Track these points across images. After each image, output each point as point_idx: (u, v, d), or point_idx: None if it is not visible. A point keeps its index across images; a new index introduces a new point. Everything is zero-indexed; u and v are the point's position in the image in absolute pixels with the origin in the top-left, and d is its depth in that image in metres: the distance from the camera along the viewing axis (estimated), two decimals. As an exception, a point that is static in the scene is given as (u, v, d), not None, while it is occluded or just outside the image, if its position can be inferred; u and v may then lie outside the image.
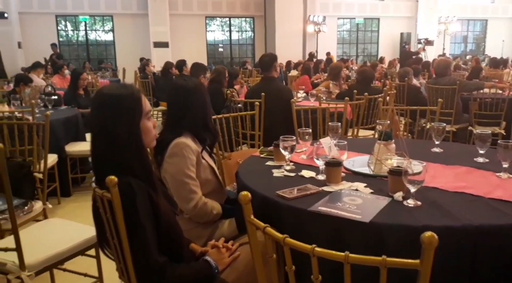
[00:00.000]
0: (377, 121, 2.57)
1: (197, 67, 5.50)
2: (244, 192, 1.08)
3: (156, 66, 10.45)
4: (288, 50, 13.58)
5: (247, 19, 17.59)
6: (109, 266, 2.10)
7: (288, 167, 2.02)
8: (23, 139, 3.06)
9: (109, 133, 1.36)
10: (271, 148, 2.27)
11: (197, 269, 1.48)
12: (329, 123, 2.45)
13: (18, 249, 1.84)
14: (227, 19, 17.39)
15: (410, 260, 0.85)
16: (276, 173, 1.97)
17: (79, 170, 4.39)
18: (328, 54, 14.30)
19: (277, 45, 14.82)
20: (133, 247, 1.33)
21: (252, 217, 1.09)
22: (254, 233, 1.11)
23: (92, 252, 2.21)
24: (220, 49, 18.14)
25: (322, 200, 1.59)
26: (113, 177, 1.25)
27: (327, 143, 1.97)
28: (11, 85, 6.98)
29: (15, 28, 13.86)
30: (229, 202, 2.18)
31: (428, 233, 0.82)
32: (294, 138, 2.03)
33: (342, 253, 0.88)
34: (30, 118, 3.63)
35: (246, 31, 18.01)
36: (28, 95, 5.01)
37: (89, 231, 2.19)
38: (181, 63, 6.79)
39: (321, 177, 1.87)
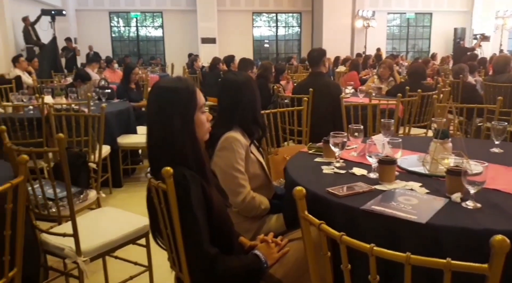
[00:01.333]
0: (433, 118, 2.47)
1: (245, 63, 5.52)
2: (299, 187, 1.07)
3: (203, 61, 10.59)
4: (335, 46, 13.35)
5: (294, 14, 17.46)
6: (159, 256, 2.15)
7: (338, 164, 1.99)
8: (79, 130, 3.20)
9: (165, 125, 1.39)
10: (320, 144, 2.24)
11: (247, 262, 1.49)
12: (382, 120, 2.37)
13: (75, 235, 1.93)
14: (274, 14, 17.34)
15: (477, 264, 0.80)
16: (326, 169, 1.94)
17: (130, 162, 4.54)
18: (378, 50, 13.93)
19: (324, 41, 14.62)
20: (186, 237, 1.35)
21: (306, 212, 1.07)
22: (308, 229, 1.10)
23: (142, 241, 2.26)
24: (266, 45, 18.12)
25: (375, 199, 1.56)
26: (169, 168, 1.27)
27: (380, 140, 1.91)
28: (68, 79, 7.32)
29: (72, 24, 14.51)
30: (277, 198, 2.17)
31: (498, 237, 0.77)
32: (345, 134, 1.99)
33: (403, 254, 0.84)
34: (86, 110, 3.78)
35: (292, 26, 17.89)
36: (84, 89, 5.23)
37: (140, 220, 2.26)
38: (229, 59, 6.84)
39: (373, 175, 1.82)
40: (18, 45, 10.68)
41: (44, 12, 10.79)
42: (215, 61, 7.62)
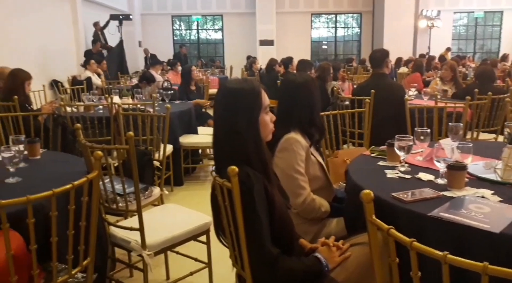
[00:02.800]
0: (506, 123, 2.33)
1: (303, 64, 5.50)
2: (367, 191, 1.05)
3: (261, 63, 10.69)
4: (397, 47, 12.91)
5: (354, 15, 17.13)
6: (218, 253, 2.20)
7: (402, 168, 1.93)
8: (144, 129, 3.34)
9: (230, 124, 1.42)
10: (383, 147, 2.18)
11: (307, 265, 1.48)
12: (449, 124, 2.27)
13: (141, 229, 2.01)
14: (333, 15, 17.11)
15: None
16: (390, 174, 1.89)
17: (190, 161, 4.68)
18: (448, 49, 13.30)
19: (385, 42, 14.20)
20: (248, 236, 1.37)
21: (374, 217, 1.05)
22: (375, 234, 1.07)
23: (203, 238, 2.32)
24: (324, 46, 17.92)
25: (443, 206, 1.49)
26: (234, 167, 1.30)
27: (449, 144, 1.83)
28: (133, 80, 7.67)
29: (137, 28, 15.19)
30: (337, 201, 2.14)
31: None
32: (411, 137, 1.92)
33: (480, 263, 0.80)
34: (151, 110, 3.94)
35: (352, 27, 17.56)
36: (148, 90, 5.47)
37: (201, 218, 2.31)
38: (288, 61, 6.84)
39: (441, 181, 1.74)
40: (88, 48, 11.35)
41: (113, 17, 11.39)
42: (272, 62, 7.63)
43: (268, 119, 1.49)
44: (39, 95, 5.87)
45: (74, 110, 4.05)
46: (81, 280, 1.63)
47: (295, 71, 6.39)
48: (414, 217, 1.46)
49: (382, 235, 1.09)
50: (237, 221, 1.35)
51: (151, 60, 11.31)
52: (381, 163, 2.06)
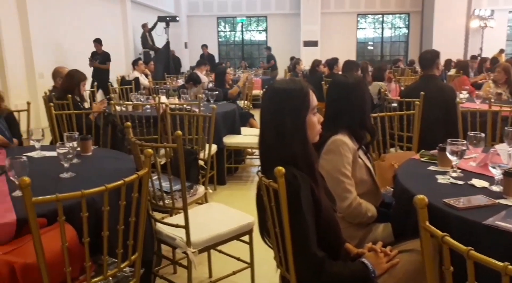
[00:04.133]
0: None
1: (349, 65, 5.42)
2: (421, 196, 1.01)
3: (305, 64, 10.63)
4: (447, 48, 12.44)
5: (402, 15, 16.69)
6: (261, 254, 2.20)
7: (454, 174, 1.85)
8: (190, 129, 3.40)
9: (277, 125, 1.41)
10: (434, 151, 2.10)
11: (354, 269, 1.45)
12: (505, 128, 2.16)
13: (187, 226, 2.05)
14: (380, 15, 16.75)
15: None
16: (441, 179, 1.82)
17: (233, 161, 4.72)
18: (501, 51, 12.68)
19: (434, 42, 13.74)
20: (294, 238, 1.35)
21: (427, 223, 1.01)
22: (428, 240, 1.03)
23: (246, 238, 2.33)
24: (370, 47, 17.58)
25: (499, 214, 1.43)
26: (281, 167, 1.29)
27: (505, 150, 1.74)
28: (180, 81, 7.84)
29: (184, 30, 15.54)
30: (385, 206, 2.09)
31: None
32: (464, 142, 1.85)
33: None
34: (197, 110, 4.01)
35: (399, 27, 17.12)
36: (193, 90, 5.57)
37: (245, 218, 2.32)
38: (333, 61, 6.76)
39: (496, 188, 1.66)
40: (136, 49, 11.73)
41: (160, 19, 11.71)
42: (315, 63, 7.57)
43: (315, 120, 1.47)
44: (91, 95, 6.12)
45: (123, 109, 4.19)
46: (129, 274, 1.68)
47: (340, 72, 6.31)
48: (467, 225, 1.40)
49: (434, 242, 1.05)
50: (282, 222, 1.35)
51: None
52: (431, 168, 2.00)
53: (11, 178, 1.75)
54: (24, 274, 1.39)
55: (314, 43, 15.00)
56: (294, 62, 9.77)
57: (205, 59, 10.49)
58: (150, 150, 1.56)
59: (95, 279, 1.47)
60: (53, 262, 1.38)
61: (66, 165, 2.02)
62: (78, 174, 2.02)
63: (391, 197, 2.12)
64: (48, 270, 1.31)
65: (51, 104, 3.35)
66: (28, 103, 3.44)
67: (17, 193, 1.74)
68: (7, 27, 6.60)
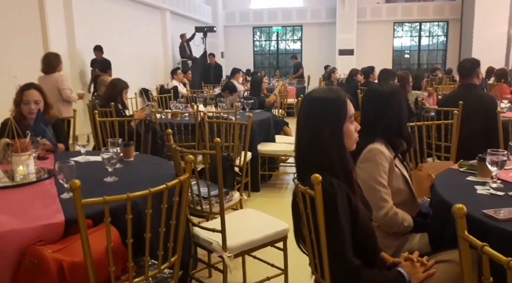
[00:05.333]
0: None
1: (386, 73, 5.36)
2: (459, 205, 1.01)
3: (340, 73, 10.59)
4: (488, 56, 12.05)
5: (440, 23, 16.33)
6: (295, 261, 2.21)
7: (494, 185, 1.82)
8: (226, 136, 3.47)
9: (314, 133, 1.44)
10: (473, 161, 2.07)
11: (389, 279, 1.45)
12: (550, 139, 2.09)
13: (223, 231, 2.10)
14: (417, 24, 16.45)
15: None
16: (480, 190, 1.79)
17: (267, 168, 4.76)
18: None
19: (474, 51, 13.35)
20: (330, 245, 1.37)
21: (466, 233, 1.01)
22: (467, 250, 1.03)
23: (280, 244, 2.35)
24: (407, 56, 17.27)
25: (542, 226, 1.39)
26: (318, 175, 1.31)
27: (549, 161, 1.70)
28: (216, 90, 7.98)
29: (220, 40, 15.81)
30: (421, 216, 2.06)
31: None
32: (505, 152, 1.81)
33: None
34: (233, 118, 4.08)
35: (437, 35, 16.74)
36: (229, 99, 5.67)
37: (279, 224, 2.35)
38: (369, 70, 6.71)
39: (539, 199, 1.62)
40: (175, 58, 12.02)
41: (198, 29, 11.98)
42: (353, 72, 7.53)
43: (353, 128, 1.49)
44: (131, 102, 6.33)
45: (163, 116, 4.32)
46: (168, 275, 1.74)
47: (376, 81, 6.25)
48: (507, 236, 1.38)
49: (473, 253, 1.04)
50: (318, 229, 1.37)
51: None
52: (470, 178, 1.97)
53: (60, 181, 1.86)
54: (71, 272, 1.48)
55: (349, 52, 14.89)
56: (330, 70, 9.74)
57: (212, 69, 10.49)
58: (191, 156, 1.62)
59: (137, 279, 1.54)
60: (97, 261, 1.45)
61: (110, 169, 2.12)
62: (120, 179, 2.11)
63: (428, 207, 2.09)
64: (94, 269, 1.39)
65: (95, 111, 3.50)
66: (74, 110, 3.62)
67: (65, 195, 1.85)
68: (55, 39, 6.94)
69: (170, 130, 2.40)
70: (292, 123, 5.92)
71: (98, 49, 7.86)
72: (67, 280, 1.46)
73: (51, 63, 4.95)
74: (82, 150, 2.57)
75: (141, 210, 1.66)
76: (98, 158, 2.52)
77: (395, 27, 16.25)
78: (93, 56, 7.82)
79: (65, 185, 1.85)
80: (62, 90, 4.83)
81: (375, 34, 15.66)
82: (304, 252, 1.62)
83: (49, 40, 6.72)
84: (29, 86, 2.92)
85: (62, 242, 1.57)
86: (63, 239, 1.59)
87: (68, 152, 2.99)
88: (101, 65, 7.79)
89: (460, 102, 3.40)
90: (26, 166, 2.16)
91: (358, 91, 6.24)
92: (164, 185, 1.47)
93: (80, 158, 2.53)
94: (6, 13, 6.02)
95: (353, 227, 1.39)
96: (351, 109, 1.47)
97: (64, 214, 1.63)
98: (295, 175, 1.56)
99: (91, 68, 7.78)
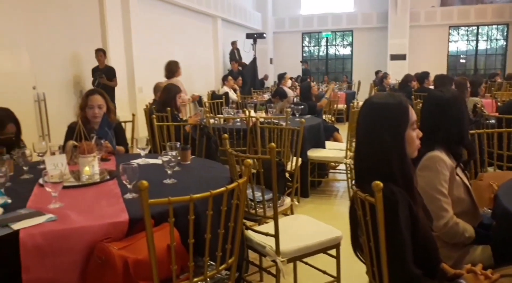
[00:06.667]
0: None
1: (442, 79, 5.20)
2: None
3: (392, 78, 10.35)
4: (552, 60, 11.40)
5: (499, 26, 15.56)
6: (347, 269, 2.19)
7: None
8: (277, 141, 3.49)
9: (375, 139, 1.43)
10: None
11: (451, 290, 1.41)
12: None
13: (276, 235, 2.11)
14: (475, 27, 15.77)
15: None
16: (549, 201, 1.70)
17: (316, 174, 4.74)
18: None
19: (537, 55, 12.63)
20: (390, 253, 1.35)
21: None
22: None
23: (333, 252, 2.34)
24: (462, 60, 16.57)
25: None
26: (379, 182, 1.30)
27: None
28: (265, 95, 8.05)
29: (269, 46, 15.93)
30: (483, 227, 1.98)
31: None
32: None
33: None
34: (284, 124, 4.10)
35: (496, 39, 15.96)
36: (279, 105, 5.70)
37: (332, 231, 2.33)
38: (424, 75, 6.53)
39: None
40: (225, 65, 12.25)
41: (248, 36, 12.14)
42: (407, 78, 7.35)
43: (414, 135, 1.46)
44: (184, 108, 6.51)
45: (215, 122, 4.43)
46: (224, 277, 1.78)
47: (431, 86, 6.06)
48: None
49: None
50: (378, 237, 1.35)
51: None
52: (537, 189, 1.87)
53: (124, 182, 1.95)
54: (136, 268, 1.55)
55: (402, 57, 14.53)
56: (382, 76, 9.56)
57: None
58: (249, 161, 1.66)
59: (196, 279, 1.59)
60: (159, 259, 1.51)
61: (169, 172, 2.20)
62: (179, 181, 2.19)
63: (490, 218, 2.01)
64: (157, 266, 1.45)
65: (153, 116, 3.64)
66: (133, 115, 3.79)
67: (128, 195, 1.94)
68: (114, 46, 7.29)
69: (226, 135, 2.46)
70: (342, 129, 5.87)
71: (101, 51, 6.56)
72: (131, 276, 1.54)
73: (171, 69, 5.66)
74: (142, 153, 2.68)
75: (200, 212, 1.71)
76: (156, 161, 2.63)
77: (450, 31, 15.67)
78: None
79: (129, 186, 1.94)
80: None
81: (428, 38, 15.19)
82: (361, 260, 1.61)
83: (109, 50, 7.08)
84: (93, 92, 3.10)
85: (127, 240, 1.65)
86: (127, 237, 1.67)
87: (128, 155, 3.13)
88: (103, 73, 6.48)
89: (524, 109, 3.24)
90: (91, 167, 2.29)
91: (412, 97, 6.08)
92: (224, 188, 1.51)
93: (140, 160, 2.63)
94: (70, 24, 6.40)
95: (414, 236, 1.37)
96: (413, 115, 1.45)
97: (128, 214, 1.72)
98: (354, 181, 1.55)
99: (92, 78, 6.60)
